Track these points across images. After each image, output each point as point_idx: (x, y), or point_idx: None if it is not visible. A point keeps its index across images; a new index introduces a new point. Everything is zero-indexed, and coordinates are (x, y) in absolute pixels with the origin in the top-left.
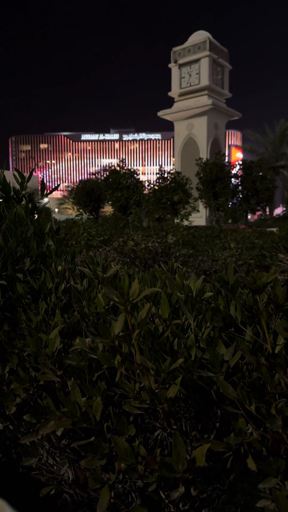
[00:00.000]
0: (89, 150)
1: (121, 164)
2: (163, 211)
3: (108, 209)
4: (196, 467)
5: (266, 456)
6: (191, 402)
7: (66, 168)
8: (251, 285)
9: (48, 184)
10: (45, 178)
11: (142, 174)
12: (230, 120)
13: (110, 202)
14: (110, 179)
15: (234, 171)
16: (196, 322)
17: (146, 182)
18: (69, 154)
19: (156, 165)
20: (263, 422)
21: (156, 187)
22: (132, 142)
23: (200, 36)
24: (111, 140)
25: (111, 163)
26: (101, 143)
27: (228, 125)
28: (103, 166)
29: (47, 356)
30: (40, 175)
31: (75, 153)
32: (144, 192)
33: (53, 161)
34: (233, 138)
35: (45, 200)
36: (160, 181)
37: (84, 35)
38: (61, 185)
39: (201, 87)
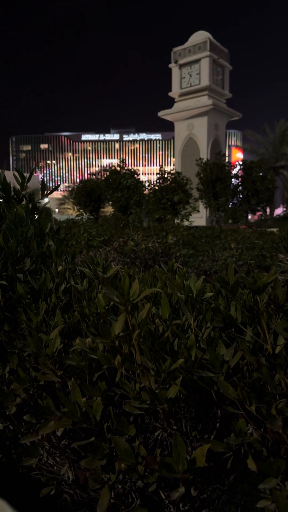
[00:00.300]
0: (89, 150)
1: (121, 164)
2: (163, 211)
3: (108, 209)
4: (196, 468)
5: (266, 457)
6: (191, 402)
7: (66, 168)
8: (251, 286)
9: (48, 184)
10: (45, 178)
11: (142, 174)
12: (230, 120)
13: (110, 202)
14: (111, 179)
15: (234, 172)
16: (197, 322)
17: (147, 182)
18: (70, 154)
19: (156, 165)
20: (263, 423)
21: (157, 187)
22: (132, 142)
23: (200, 36)
24: (111, 140)
25: (112, 163)
26: (102, 143)
27: (228, 125)
28: (104, 166)
29: (47, 356)
30: (40, 175)
31: (76, 153)
32: (145, 192)
33: (53, 161)
34: (233, 138)
35: (46, 200)
36: (161, 181)
37: (84, 35)
38: (61, 185)
39: (201, 87)
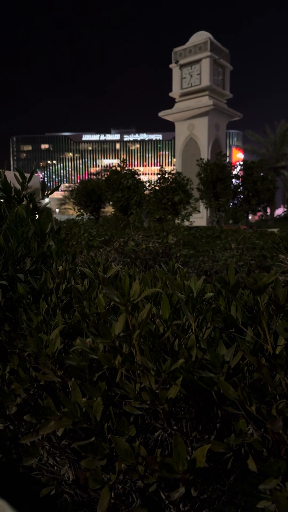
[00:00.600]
0: (90, 150)
1: (122, 165)
2: (163, 211)
3: (109, 209)
4: (197, 468)
5: (267, 457)
6: (191, 402)
7: (67, 168)
8: (252, 286)
9: (48, 184)
10: (45, 179)
11: (143, 174)
12: (231, 120)
13: (111, 203)
14: (111, 180)
15: (235, 172)
16: (197, 322)
17: (147, 182)
18: (70, 154)
19: (157, 166)
20: (264, 423)
21: (157, 188)
22: (133, 142)
23: (201, 36)
24: (112, 141)
25: (112, 163)
26: (102, 143)
27: (229, 126)
28: (104, 166)
29: (48, 357)
30: (41, 175)
31: (76, 153)
32: (145, 192)
33: (54, 161)
34: (234, 138)
35: (46, 200)
36: (161, 181)
37: (85, 35)
38: (62, 185)
39: (202, 88)
